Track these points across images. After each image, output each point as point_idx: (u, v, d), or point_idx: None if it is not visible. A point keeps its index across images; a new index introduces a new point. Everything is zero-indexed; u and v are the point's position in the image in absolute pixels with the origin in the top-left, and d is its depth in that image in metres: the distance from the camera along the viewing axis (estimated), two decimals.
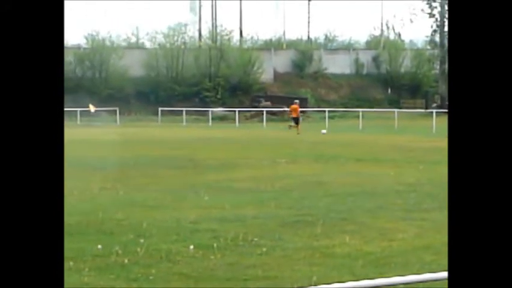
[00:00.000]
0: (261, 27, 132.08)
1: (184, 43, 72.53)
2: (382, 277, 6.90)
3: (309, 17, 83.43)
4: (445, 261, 10.64)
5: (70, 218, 13.83)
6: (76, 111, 55.61)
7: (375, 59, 76.07)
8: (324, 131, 44.41)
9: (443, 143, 34.31)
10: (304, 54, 74.99)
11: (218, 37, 74.79)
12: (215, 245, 11.61)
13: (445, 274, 5.85)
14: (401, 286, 8.39)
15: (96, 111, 57.22)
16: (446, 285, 8.54)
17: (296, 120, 45.55)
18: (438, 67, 70.50)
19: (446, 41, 69.30)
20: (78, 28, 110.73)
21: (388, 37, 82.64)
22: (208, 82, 67.95)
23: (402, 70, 74.34)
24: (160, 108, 59.08)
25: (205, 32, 77.47)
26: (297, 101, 48.71)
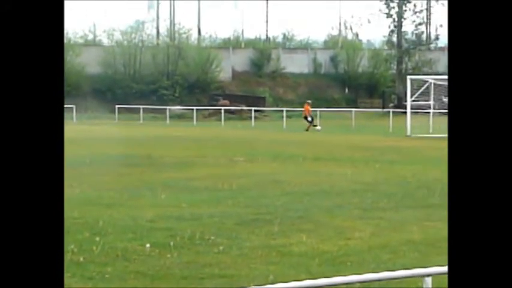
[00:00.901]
0: (219, 25, 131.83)
1: (142, 41, 72.18)
2: (338, 275, 6.91)
3: (267, 16, 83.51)
4: (401, 260, 10.76)
5: None
6: None
7: (333, 59, 76.35)
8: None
9: (400, 142, 34.64)
10: (262, 53, 75.02)
11: (176, 35, 74.58)
12: (172, 243, 11.56)
13: (400, 273, 5.87)
14: (358, 285, 8.43)
15: None
16: (402, 283, 8.60)
17: (309, 119, 46.32)
18: (395, 67, 71.00)
19: (403, 41, 69.88)
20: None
21: (346, 37, 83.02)
22: (166, 80, 67.70)
23: (360, 70, 74.71)
24: (117, 106, 58.72)
25: (163, 30, 77.24)
26: (309, 101, 49.50)
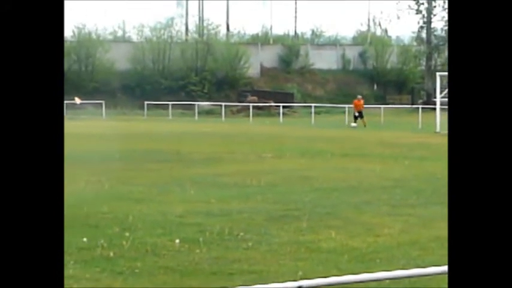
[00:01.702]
0: (248, 22, 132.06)
1: (171, 37, 72.38)
2: (367, 272, 6.90)
3: (296, 12, 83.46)
4: (430, 256, 10.72)
5: None
6: None
7: (362, 55, 76.16)
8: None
9: (429, 139, 34.46)
10: (290, 50, 74.99)
11: (205, 31, 74.71)
12: (201, 239, 11.60)
13: (431, 269, 5.86)
14: (388, 282, 8.41)
15: (81, 104, 57.07)
16: (432, 281, 8.57)
17: (360, 115, 46.39)
18: (424, 63, 70.68)
19: (432, 38, 69.52)
20: (64, 21, 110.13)
21: (374, 33, 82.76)
22: (195, 76, 67.84)
23: (388, 66, 74.47)
24: (146, 102, 58.93)
25: (192, 26, 77.44)
26: (359, 96, 49.46)
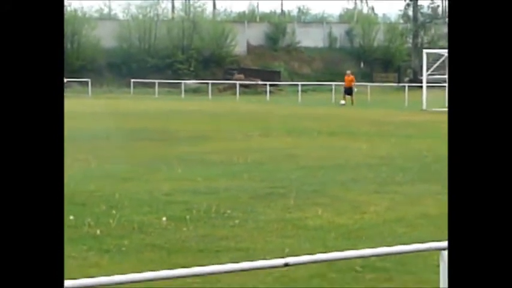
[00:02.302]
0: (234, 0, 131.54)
1: (157, 15, 72.06)
2: (354, 249, 6.95)
3: None
4: (416, 233, 10.78)
5: None
6: None
7: (348, 33, 76.06)
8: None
9: (415, 116, 34.56)
10: (277, 27, 74.79)
11: (191, 9, 74.40)
12: (188, 217, 11.62)
13: (416, 246, 5.89)
14: (374, 258, 8.47)
15: (67, 82, 56.83)
16: (417, 258, 8.62)
17: (348, 91, 45.88)
18: (411, 41, 70.69)
19: (419, 15, 69.50)
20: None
21: (361, 11, 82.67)
22: (181, 54, 67.64)
23: (375, 44, 74.40)
24: (132, 80, 58.75)
25: (178, 4, 77.08)
26: (348, 71, 48.69)
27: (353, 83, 46.89)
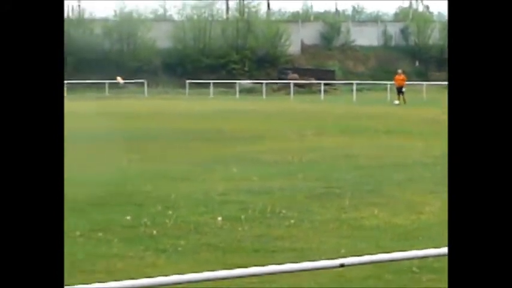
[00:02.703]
0: (288, 0, 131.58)
1: (212, 15, 72.32)
2: (412, 250, 6.89)
3: None
4: None
5: (99, 189, 13.94)
6: (104, 83, 55.83)
7: (403, 31, 75.48)
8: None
9: None
10: (331, 27, 74.53)
11: (245, 9, 74.53)
12: (243, 216, 11.65)
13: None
14: (431, 259, 8.38)
15: (124, 83, 57.37)
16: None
17: (400, 90, 45.38)
18: None
19: None
20: (106, 1, 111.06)
21: (416, 9, 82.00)
22: (236, 54, 67.79)
23: (430, 42, 73.70)
24: (187, 81, 59.05)
25: (232, 4, 77.28)
26: (399, 70, 48.19)
27: (404, 83, 46.44)
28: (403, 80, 46.48)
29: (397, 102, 44.67)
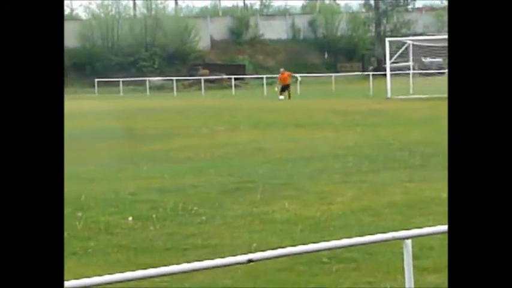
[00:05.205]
0: None
1: (119, 13, 71.68)
2: (322, 241, 6.91)
3: None
4: (383, 222, 10.78)
5: None
6: None
7: (311, 24, 76.16)
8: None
9: (380, 105, 34.65)
10: (240, 21, 74.72)
11: (153, 6, 74.09)
12: (154, 215, 11.54)
13: (378, 236, 5.87)
14: (341, 249, 8.44)
15: None
16: (384, 246, 8.60)
17: (284, 88, 44.53)
18: (373, 30, 70.90)
19: (380, 3, 69.70)
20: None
21: (323, 1, 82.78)
22: (145, 52, 67.36)
23: (338, 34, 74.58)
24: (96, 80, 58.39)
25: (139, 1, 76.70)
26: (282, 69, 47.43)
27: (288, 80, 45.04)
28: (287, 77, 45.38)
29: (281, 97, 43.61)
